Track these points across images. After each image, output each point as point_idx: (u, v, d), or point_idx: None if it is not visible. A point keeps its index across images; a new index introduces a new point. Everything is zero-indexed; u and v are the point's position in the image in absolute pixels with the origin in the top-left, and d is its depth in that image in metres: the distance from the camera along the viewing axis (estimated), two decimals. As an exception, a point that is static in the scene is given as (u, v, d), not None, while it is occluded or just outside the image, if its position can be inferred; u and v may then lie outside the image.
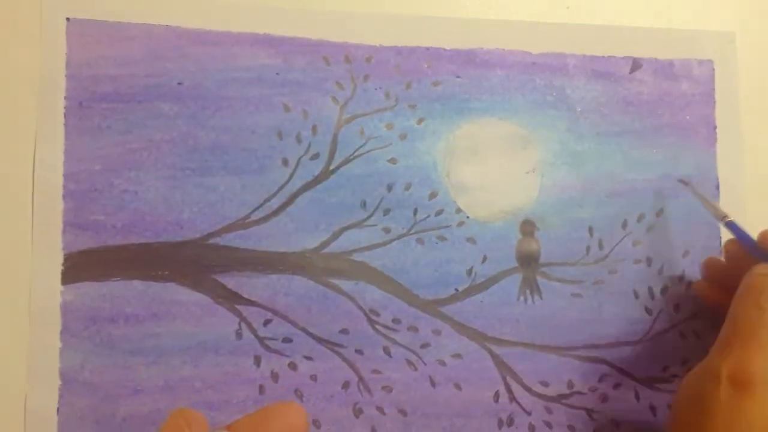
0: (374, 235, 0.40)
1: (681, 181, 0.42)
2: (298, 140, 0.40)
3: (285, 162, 0.39)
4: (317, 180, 0.40)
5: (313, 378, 0.38)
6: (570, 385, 0.41)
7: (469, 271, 0.40)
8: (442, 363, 0.40)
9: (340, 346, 0.39)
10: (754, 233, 0.43)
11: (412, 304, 0.40)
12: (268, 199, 0.39)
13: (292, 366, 0.38)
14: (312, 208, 0.39)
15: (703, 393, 0.34)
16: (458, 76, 0.42)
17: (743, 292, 0.35)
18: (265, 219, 0.39)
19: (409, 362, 0.39)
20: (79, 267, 0.37)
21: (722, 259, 0.41)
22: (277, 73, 0.40)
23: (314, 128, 0.40)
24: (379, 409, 0.39)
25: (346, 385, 0.39)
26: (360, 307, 0.39)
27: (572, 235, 0.42)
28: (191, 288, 0.38)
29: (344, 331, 0.39)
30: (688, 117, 0.44)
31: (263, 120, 0.39)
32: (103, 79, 0.38)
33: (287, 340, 0.38)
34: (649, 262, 0.42)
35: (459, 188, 0.41)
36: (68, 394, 0.36)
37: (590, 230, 0.42)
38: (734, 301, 0.35)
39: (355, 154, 0.40)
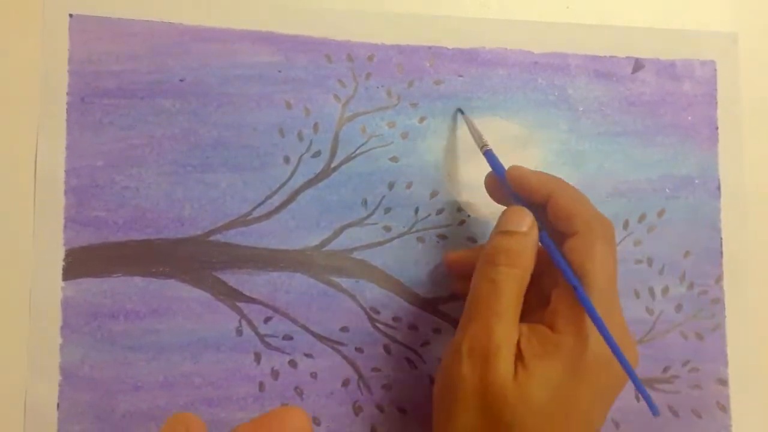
0: (375, 234, 0.40)
1: (459, 110, 0.41)
2: (300, 138, 0.40)
3: (286, 159, 0.39)
4: (318, 178, 0.40)
5: (313, 376, 0.38)
6: (570, 384, 0.41)
7: (470, 270, 0.40)
8: (442, 361, 0.40)
9: (341, 344, 0.39)
10: (756, 239, 0.43)
11: (412, 303, 0.40)
12: (269, 197, 0.39)
13: (293, 363, 0.38)
14: (313, 205, 0.39)
15: (449, 371, 0.33)
16: (460, 75, 0.42)
17: (478, 264, 0.35)
18: (267, 216, 0.39)
19: (409, 361, 0.39)
20: (80, 263, 0.37)
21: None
22: (279, 71, 0.40)
23: (316, 126, 0.40)
24: (379, 407, 0.39)
25: (346, 383, 0.39)
26: (360, 305, 0.39)
27: (573, 234, 0.42)
28: (192, 285, 0.38)
29: (344, 329, 0.39)
30: (689, 117, 0.44)
31: (265, 117, 0.39)
32: (105, 75, 0.38)
33: (288, 337, 0.38)
34: (650, 262, 0.42)
35: (460, 187, 0.41)
36: (68, 389, 0.36)
37: (591, 230, 0.42)
38: (474, 274, 0.35)
39: (357, 152, 0.40)
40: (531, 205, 0.35)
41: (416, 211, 0.40)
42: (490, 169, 0.38)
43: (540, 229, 0.35)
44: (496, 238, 0.35)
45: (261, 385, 0.38)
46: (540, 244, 0.35)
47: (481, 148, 0.38)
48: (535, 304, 0.35)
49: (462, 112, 0.40)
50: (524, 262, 0.34)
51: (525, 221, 0.34)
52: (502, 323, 0.32)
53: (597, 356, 0.32)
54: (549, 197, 0.34)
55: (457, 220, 0.41)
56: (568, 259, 0.33)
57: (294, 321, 0.38)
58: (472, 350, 0.32)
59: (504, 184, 0.36)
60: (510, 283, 0.33)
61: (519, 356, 0.32)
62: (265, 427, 0.26)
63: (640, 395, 0.40)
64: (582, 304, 0.32)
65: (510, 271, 0.33)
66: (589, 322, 0.32)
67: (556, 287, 0.34)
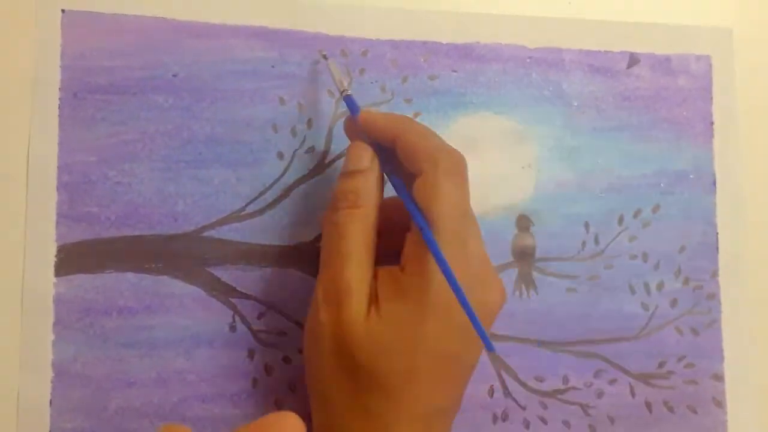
0: (369, 229, 0.40)
1: (323, 55, 0.39)
2: (294, 133, 0.39)
3: (280, 155, 0.39)
4: (312, 173, 0.40)
5: (307, 372, 0.38)
6: (565, 380, 0.41)
7: (465, 266, 0.40)
8: (437, 357, 0.39)
9: (335, 340, 0.39)
10: (752, 234, 0.43)
11: (406, 299, 0.40)
12: (262, 192, 0.39)
13: (286, 360, 0.38)
14: (307, 201, 0.39)
15: (309, 320, 0.34)
16: (454, 71, 0.41)
17: (326, 209, 0.35)
18: (260, 212, 0.39)
19: (404, 356, 0.39)
20: (73, 259, 0.37)
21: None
22: (273, 66, 0.40)
23: (309, 122, 0.40)
24: (373, 403, 0.39)
25: (340, 379, 0.39)
26: (354, 301, 0.39)
27: (568, 230, 0.42)
28: (185, 281, 0.38)
29: (338, 325, 0.39)
30: (685, 112, 0.43)
31: (258, 113, 0.39)
32: (98, 70, 0.38)
33: (281, 333, 0.38)
34: (645, 257, 0.42)
35: (455, 182, 0.41)
36: (61, 386, 0.36)
37: (586, 225, 0.42)
38: (323, 230, 0.35)
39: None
40: (384, 149, 0.35)
41: (410, 206, 0.40)
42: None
43: (390, 173, 0.34)
44: (338, 181, 0.35)
45: (254, 381, 0.38)
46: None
47: (341, 93, 0.37)
48: (397, 249, 0.34)
49: (326, 58, 0.39)
50: (365, 200, 0.33)
51: (363, 158, 0.34)
52: (351, 265, 0.32)
53: (443, 295, 0.31)
54: (396, 138, 0.34)
55: (451, 216, 0.40)
56: (416, 200, 0.33)
57: (288, 317, 0.38)
58: (326, 295, 0.33)
59: (359, 130, 0.36)
60: (353, 224, 0.33)
61: (373, 298, 0.32)
62: None
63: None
64: (428, 245, 0.31)
65: (351, 212, 0.33)
66: (432, 262, 0.31)
67: (409, 230, 0.33)
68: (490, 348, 0.30)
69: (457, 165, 0.33)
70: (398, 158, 0.34)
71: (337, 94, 0.40)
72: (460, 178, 0.33)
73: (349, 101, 0.37)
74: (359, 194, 0.33)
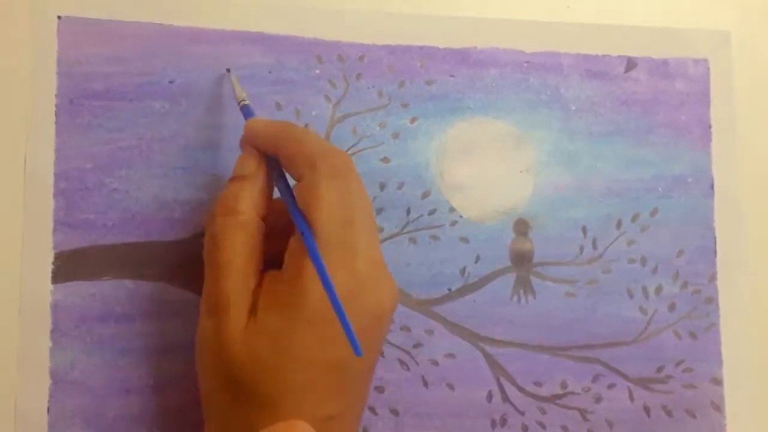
0: (367, 235, 0.40)
1: (227, 69, 0.39)
2: (291, 139, 0.39)
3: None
4: (310, 179, 0.39)
5: (305, 378, 0.38)
6: (563, 385, 0.40)
7: (462, 271, 0.40)
8: (435, 363, 0.39)
9: (333, 345, 0.39)
10: (750, 238, 0.43)
11: (404, 304, 0.40)
12: (260, 198, 0.39)
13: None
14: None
15: (197, 336, 0.33)
16: (452, 75, 0.41)
17: (206, 228, 0.34)
18: (257, 218, 0.39)
19: (402, 362, 0.39)
20: (70, 266, 0.37)
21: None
22: (270, 72, 0.40)
23: (307, 127, 0.40)
24: (372, 408, 0.39)
25: (338, 385, 0.38)
26: (352, 307, 0.39)
27: (566, 234, 0.42)
28: (182, 287, 0.37)
29: (336, 331, 0.39)
30: (682, 116, 0.43)
31: (255, 118, 0.39)
32: (95, 77, 0.38)
33: (279, 339, 0.38)
34: (643, 261, 0.42)
35: (452, 188, 0.41)
36: (58, 393, 0.36)
37: (584, 230, 0.42)
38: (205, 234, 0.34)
39: (348, 153, 0.40)
40: (273, 157, 0.34)
41: (408, 211, 0.40)
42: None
43: (278, 179, 0.33)
44: (221, 190, 0.34)
45: (252, 388, 0.38)
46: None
47: (239, 104, 0.37)
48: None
49: (228, 71, 0.39)
50: (245, 206, 0.32)
51: (247, 164, 0.33)
52: (229, 276, 0.31)
53: (322, 302, 0.29)
54: (276, 145, 0.33)
55: (449, 221, 0.41)
56: (298, 205, 0.32)
57: (285, 323, 0.38)
58: (207, 308, 0.32)
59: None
60: (231, 233, 0.32)
61: (252, 308, 0.31)
62: None
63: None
64: (307, 250, 0.30)
65: (229, 219, 0.32)
66: (310, 267, 0.30)
67: (293, 235, 0.32)
68: (358, 353, 0.28)
69: (338, 167, 0.32)
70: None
71: (335, 100, 0.40)
72: (344, 180, 0.32)
73: (246, 110, 0.36)
74: (238, 200, 0.32)
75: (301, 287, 0.30)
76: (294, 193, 0.32)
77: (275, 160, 0.34)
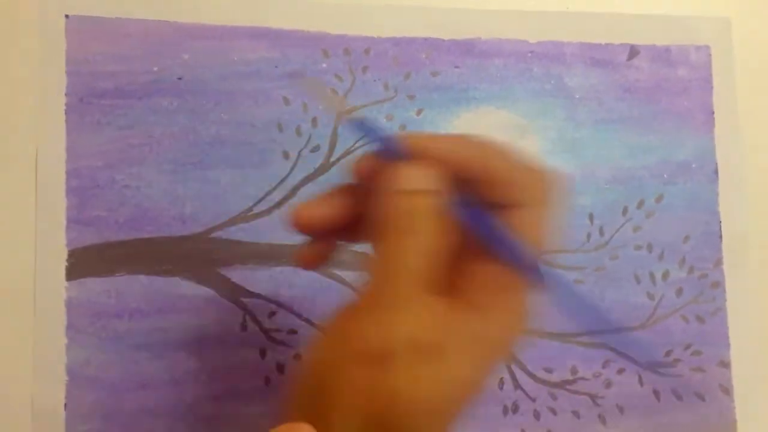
0: (376, 226, 0.40)
1: (293, 74, 0.36)
2: (299, 133, 0.40)
3: (286, 155, 0.39)
4: (318, 172, 0.40)
5: (319, 369, 0.39)
6: (574, 371, 0.41)
7: (472, 260, 0.41)
8: (447, 351, 0.40)
9: (345, 336, 0.39)
10: (755, 222, 0.43)
11: (415, 294, 0.40)
12: (269, 192, 0.39)
13: (298, 357, 0.38)
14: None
15: (331, 364, 0.25)
16: (456, 66, 0.42)
17: (380, 233, 0.26)
18: (267, 212, 0.39)
19: (414, 351, 0.40)
20: (83, 263, 0.37)
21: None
22: (276, 66, 0.40)
23: (314, 120, 0.40)
24: (385, 398, 0.39)
25: (351, 376, 0.39)
26: (363, 298, 0.39)
27: (573, 222, 0.42)
28: (195, 282, 0.38)
29: (348, 322, 0.39)
30: (685, 103, 0.44)
31: (263, 113, 0.39)
32: (103, 75, 0.38)
33: (292, 331, 0.38)
34: (649, 247, 0.42)
35: (459, 178, 0.41)
36: (75, 389, 0.36)
37: (591, 217, 0.42)
38: (382, 247, 0.27)
39: (356, 146, 0.40)
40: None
41: (416, 202, 0.40)
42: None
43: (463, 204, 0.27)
44: (395, 199, 0.26)
45: (267, 380, 0.38)
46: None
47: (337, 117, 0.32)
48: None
49: (301, 76, 0.35)
50: (433, 225, 0.26)
51: (431, 177, 0.26)
52: (403, 311, 0.25)
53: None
54: (477, 167, 0.26)
55: (457, 211, 0.41)
56: (514, 233, 0.27)
57: (298, 315, 0.39)
58: (365, 351, 0.25)
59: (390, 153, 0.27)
60: (419, 253, 0.26)
61: (427, 346, 0.25)
62: None
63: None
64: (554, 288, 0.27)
65: (418, 239, 0.26)
66: (515, 305, 0.27)
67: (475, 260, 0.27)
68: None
69: (551, 193, 0.28)
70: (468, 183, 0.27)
71: (341, 92, 0.40)
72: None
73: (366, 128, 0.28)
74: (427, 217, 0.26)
75: (487, 321, 0.26)
76: (512, 219, 0.27)
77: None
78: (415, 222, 0.26)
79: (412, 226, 0.26)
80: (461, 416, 0.27)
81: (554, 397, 0.41)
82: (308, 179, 0.40)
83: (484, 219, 0.27)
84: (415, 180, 0.26)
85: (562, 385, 0.41)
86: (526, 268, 0.27)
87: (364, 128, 0.28)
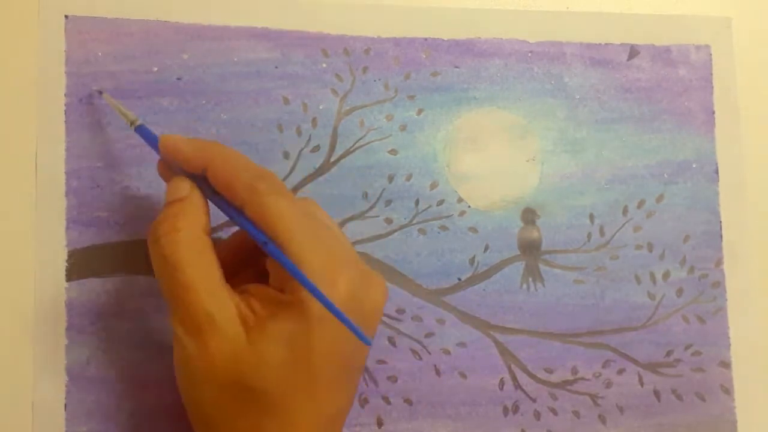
0: (376, 226, 0.40)
1: (98, 91, 0.37)
2: (299, 133, 0.40)
3: (286, 155, 0.39)
4: (318, 172, 0.40)
5: (319, 369, 0.39)
6: (574, 371, 0.41)
7: (472, 260, 0.41)
8: (447, 352, 0.40)
9: (345, 337, 0.39)
10: (755, 222, 0.43)
11: (415, 294, 0.40)
12: (269, 192, 0.39)
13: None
14: (314, 200, 0.39)
15: (177, 361, 0.32)
16: (457, 66, 0.42)
17: (147, 240, 0.32)
18: (268, 212, 0.39)
19: (414, 351, 0.40)
20: (83, 263, 0.37)
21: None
22: (276, 67, 0.40)
23: (314, 121, 0.40)
24: (385, 398, 0.39)
25: (351, 376, 0.39)
26: (364, 298, 0.39)
27: (573, 222, 0.42)
28: (195, 282, 0.38)
29: (348, 323, 0.39)
30: (686, 102, 0.44)
31: (263, 113, 0.39)
32: (103, 75, 0.38)
33: (292, 332, 0.38)
34: (650, 247, 0.42)
35: (460, 178, 0.41)
36: (75, 390, 0.36)
37: (591, 217, 0.42)
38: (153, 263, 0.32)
39: (356, 146, 0.40)
40: (196, 176, 0.33)
41: (417, 202, 0.41)
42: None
43: (217, 196, 0.32)
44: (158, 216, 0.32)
45: (267, 381, 0.38)
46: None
47: (131, 125, 0.35)
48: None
49: (100, 93, 0.37)
50: (186, 222, 0.31)
51: (182, 187, 0.32)
52: (200, 293, 0.30)
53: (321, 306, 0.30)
54: (206, 168, 0.32)
55: (457, 211, 0.41)
56: (256, 228, 0.31)
57: (298, 315, 0.39)
58: (188, 329, 0.30)
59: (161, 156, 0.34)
60: (183, 250, 0.31)
61: (250, 320, 0.30)
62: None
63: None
64: (276, 258, 0.30)
65: (176, 237, 0.31)
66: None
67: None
68: (366, 342, 0.30)
69: (281, 185, 0.33)
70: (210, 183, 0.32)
71: (341, 93, 0.40)
72: (290, 196, 0.33)
73: (144, 132, 0.35)
74: (178, 217, 0.32)
75: (294, 292, 0.30)
76: (245, 216, 0.32)
77: (203, 179, 0.33)
78: (170, 223, 0.31)
79: (171, 227, 0.31)
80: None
81: (555, 398, 0.41)
82: (308, 179, 0.40)
83: (228, 209, 0.32)
84: (172, 193, 0.33)
85: (563, 385, 0.41)
86: (266, 245, 0.31)
87: (144, 133, 0.34)
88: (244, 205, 0.31)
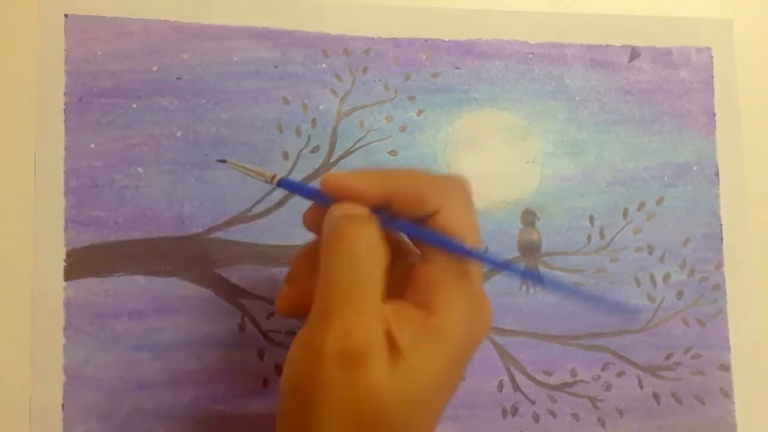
0: (376, 227, 0.40)
1: (219, 160, 0.37)
2: (298, 133, 0.40)
3: (285, 155, 0.39)
4: (318, 173, 0.40)
5: (317, 370, 0.38)
6: (573, 373, 0.41)
7: (471, 262, 0.40)
8: (446, 353, 0.40)
9: (344, 338, 0.39)
10: (756, 224, 0.43)
11: (414, 296, 0.40)
12: (269, 193, 0.39)
13: (296, 359, 0.38)
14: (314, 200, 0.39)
15: (308, 376, 0.27)
16: (457, 67, 0.42)
17: (329, 245, 0.28)
18: (267, 212, 0.39)
19: (413, 353, 0.39)
20: (82, 263, 0.37)
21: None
22: (276, 66, 0.40)
23: (314, 121, 0.40)
24: (384, 400, 0.39)
25: (350, 377, 0.39)
26: (363, 299, 0.39)
27: (573, 224, 0.42)
28: (194, 282, 0.38)
29: (347, 324, 0.39)
30: (686, 105, 0.44)
31: (263, 113, 0.39)
32: (103, 74, 0.38)
33: (290, 333, 0.38)
34: (650, 250, 0.42)
35: (459, 179, 0.41)
36: (73, 390, 0.36)
37: (591, 219, 0.42)
38: (323, 259, 0.28)
39: (356, 147, 0.40)
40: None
41: (416, 204, 0.40)
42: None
43: (392, 216, 0.30)
44: (336, 221, 0.29)
45: (265, 381, 0.38)
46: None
47: (271, 181, 0.33)
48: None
49: (224, 161, 0.36)
50: (376, 240, 0.28)
51: (359, 208, 0.29)
52: (369, 312, 0.27)
53: (457, 330, 0.28)
54: (390, 195, 0.29)
55: (457, 212, 0.41)
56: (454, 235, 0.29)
57: (297, 316, 0.38)
58: (342, 354, 0.26)
59: (320, 198, 0.31)
60: (373, 249, 0.28)
61: (392, 347, 0.27)
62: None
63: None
64: (488, 264, 0.30)
65: (366, 228, 0.28)
66: (444, 295, 0.28)
67: (415, 264, 0.30)
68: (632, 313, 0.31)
69: (467, 190, 0.31)
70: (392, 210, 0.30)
71: (341, 93, 0.40)
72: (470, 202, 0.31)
73: (288, 183, 0.33)
74: (367, 221, 0.29)
75: (441, 317, 0.28)
76: (435, 224, 0.29)
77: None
78: (350, 234, 0.28)
79: (349, 239, 0.28)
80: (445, 408, 0.30)
81: (554, 400, 0.40)
82: (308, 180, 0.40)
83: (413, 226, 0.30)
84: (344, 208, 0.29)
85: (562, 387, 0.41)
86: (469, 254, 0.29)
87: (292, 186, 0.34)
88: (437, 211, 0.29)
